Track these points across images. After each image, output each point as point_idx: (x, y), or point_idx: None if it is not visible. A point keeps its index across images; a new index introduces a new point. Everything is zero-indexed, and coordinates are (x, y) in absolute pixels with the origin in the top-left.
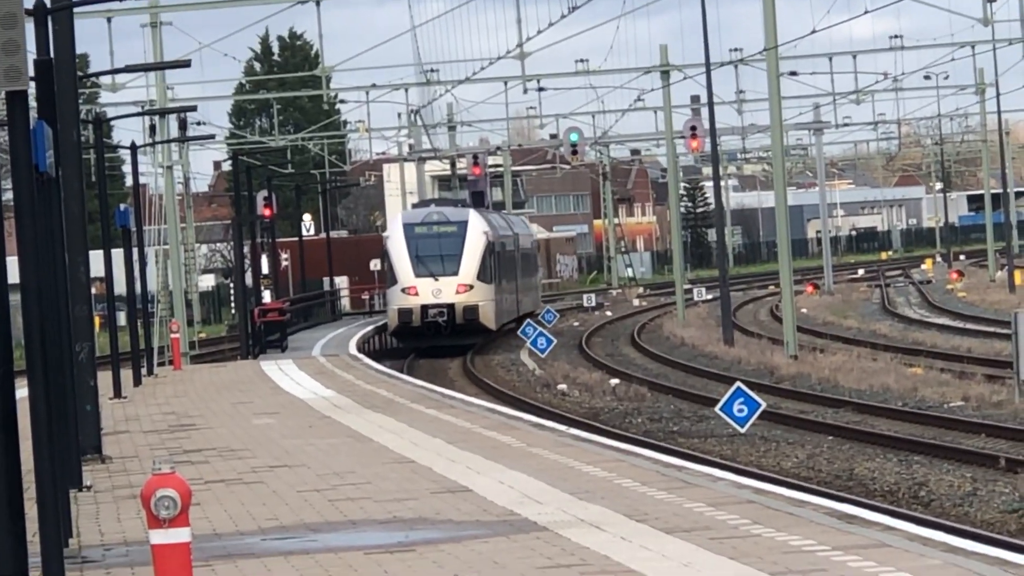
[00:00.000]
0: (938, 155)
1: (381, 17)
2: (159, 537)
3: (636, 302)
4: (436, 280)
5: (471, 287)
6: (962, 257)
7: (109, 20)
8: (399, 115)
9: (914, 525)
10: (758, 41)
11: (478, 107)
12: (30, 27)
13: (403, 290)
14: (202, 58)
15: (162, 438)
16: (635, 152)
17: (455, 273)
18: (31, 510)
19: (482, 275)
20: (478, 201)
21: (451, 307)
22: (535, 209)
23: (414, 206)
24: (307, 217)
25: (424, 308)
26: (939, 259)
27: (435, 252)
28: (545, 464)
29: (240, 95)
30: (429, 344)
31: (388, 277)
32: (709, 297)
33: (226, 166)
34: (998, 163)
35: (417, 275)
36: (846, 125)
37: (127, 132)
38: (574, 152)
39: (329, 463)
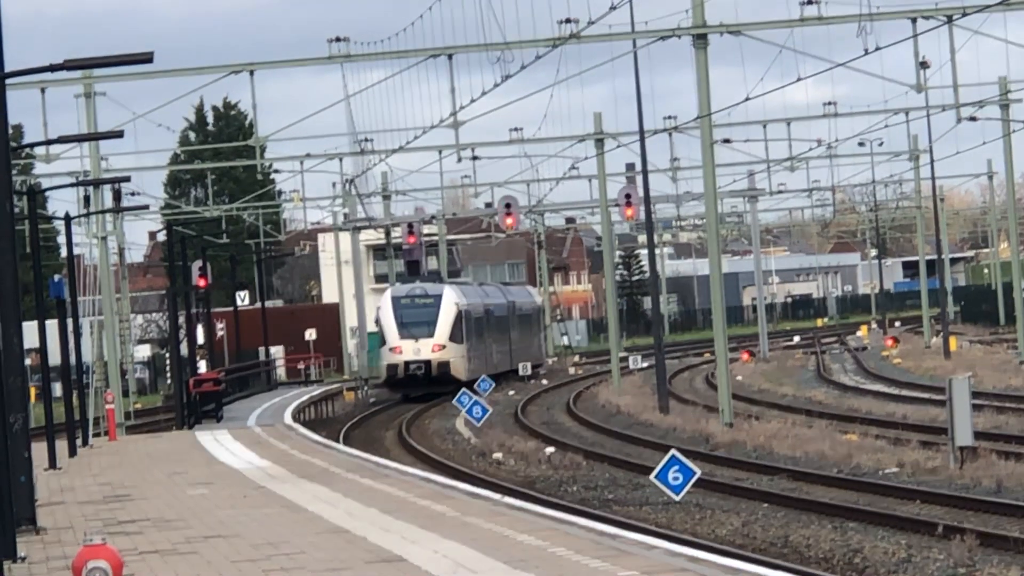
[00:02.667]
0: (873, 221)
1: (315, 87)
2: None
3: (572, 370)
4: (416, 341)
5: (444, 347)
6: (897, 323)
7: (43, 91)
8: (333, 184)
9: None
10: (692, 109)
11: (413, 176)
12: None
13: (390, 349)
14: (136, 128)
15: (97, 509)
16: (570, 220)
17: (431, 336)
18: None
19: (454, 337)
20: (414, 270)
21: (428, 363)
22: (470, 278)
23: (401, 283)
24: (243, 293)
25: (407, 363)
26: (874, 325)
27: (416, 320)
28: (480, 533)
29: (175, 165)
30: (412, 392)
31: (379, 338)
32: (644, 365)
33: (161, 236)
34: (933, 229)
35: (401, 337)
36: (780, 192)
37: (61, 203)
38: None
39: (264, 533)
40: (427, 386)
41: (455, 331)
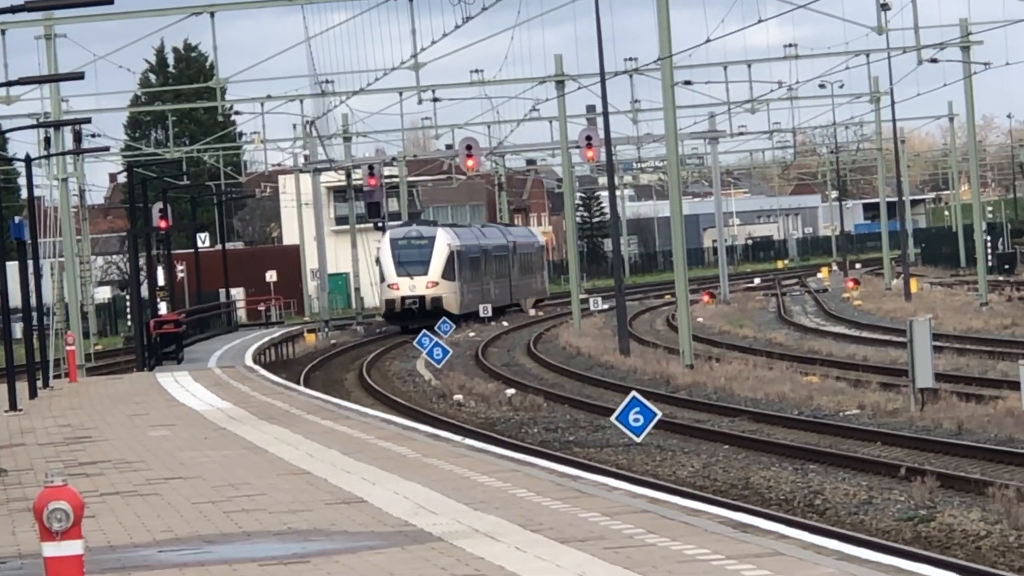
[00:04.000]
0: (833, 164)
1: (276, 29)
2: (52, 550)
3: (532, 312)
4: (412, 278)
5: (437, 283)
6: (858, 266)
7: (3, 32)
8: (294, 126)
9: (809, 533)
10: (653, 51)
11: (373, 118)
12: None
13: (389, 286)
14: (97, 70)
15: (58, 450)
16: (531, 162)
17: (424, 274)
18: None
19: (447, 275)
20: (374, 212)
21: (422, 298)
22: (441, 219)
23: (398, 226)
24: (203, 234)
25: (403, 299)
26: (835, 268)
27: (411, 259)
28: (440, 475)
29: (135, 107)
30: (409, 324)
31: (379, 276)
32: (605, 307)
33: (121, 178)
34: (893, 171)
35: (398, 275)
36: (741, 134)
37: (22, 145)
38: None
39: (224, 475)
40: (422, 319)
41: (447, 269)
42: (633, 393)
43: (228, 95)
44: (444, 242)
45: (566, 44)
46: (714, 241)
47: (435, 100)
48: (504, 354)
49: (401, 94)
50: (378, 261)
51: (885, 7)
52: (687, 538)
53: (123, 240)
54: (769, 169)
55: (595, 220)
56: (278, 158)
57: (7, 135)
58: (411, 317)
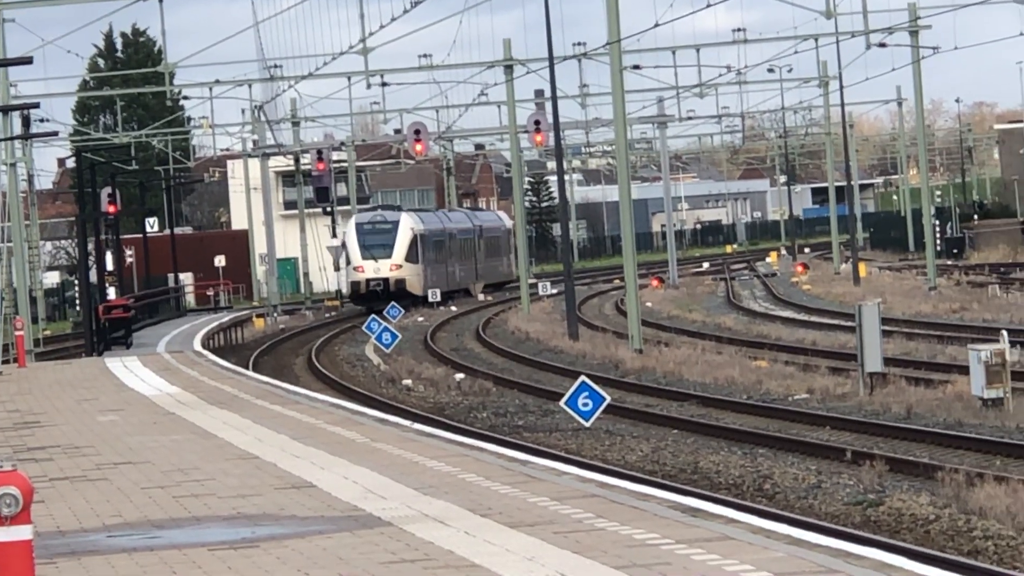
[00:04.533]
0: (782, 148)
1: (225, 13)
2: (1, 535)
3: (481, 297)
4: (376, 261)
5: (400, 266)
6: (807, 250)
7: None
8: (243, 111)
9: (758, 518)
10: (602, 35)
11: (322, 102)
12: None
13: (354, 268)
14: (45, 55)
15: (6, 435)
16: (479, 147)
17: (388, 257)
18: None
19: (410, 257)
20: (323, 196)
21: (386, 280)
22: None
23: (363, 211)
24: (152, 219)
25: (368, 280)
26: (784, 252)
27: (375, 243)
28: (389, 459)
29: (84, 92)
30: (374, 305)
31: (345, 259)
32: (554, 291)
33: (70, 163)
34: (842, 156)
35: (363, 258)
36: (690, 118)
37: None
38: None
39: (173, 460)
40: (387, 300)
41: (411, 252)
42: (582, 378)
43: (177, 80)
44: (408, 226)
45: (515, 29)
46: (663, 226)
47: (383, 85)
48: (453, 339)
49: (350, 79)
50: (343, 245)
51: None
52: (636, 522)
53: (72, 225)
54: (718, 154)
55: (544, 205)
56: (227, 143)
57: None
58: (376, 299)
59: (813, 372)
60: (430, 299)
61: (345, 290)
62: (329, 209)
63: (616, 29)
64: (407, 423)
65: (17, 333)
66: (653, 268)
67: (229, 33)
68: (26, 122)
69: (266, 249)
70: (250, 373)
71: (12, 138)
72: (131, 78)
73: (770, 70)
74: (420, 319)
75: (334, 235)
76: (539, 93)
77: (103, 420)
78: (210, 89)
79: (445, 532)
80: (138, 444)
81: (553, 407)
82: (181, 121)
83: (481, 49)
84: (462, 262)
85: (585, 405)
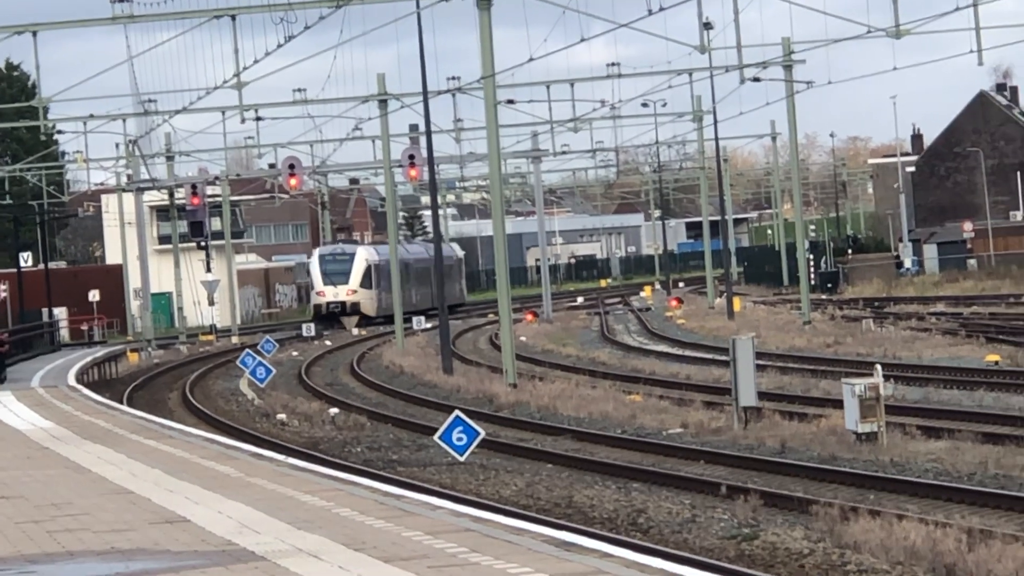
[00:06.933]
0: (656, 182)
1: (102, 48)
2: None
3: (356, 331)
4: (335, 287)
5: (355, 291)
6: (681, 284)
7: None
8: (117, 145)
9: (632, 552)
10: (476, 70)
11: (196, 137)
12: None
13: (317, 293)
14: None
15: None
16: (354, 181)
17: (345, 283)
18: None
19: (364, 284)
20: (197, 231)
21: (343, 303)
22: (254, 239)
23: (326, 244)
24: (26, 254)
25: (328, 303)
26: (658, 286)
27: (334, 271)
28: (264, 494)
29: None
30: (333, 323)
31: (310, 285)
32: (428, 326)
33: None
34: (716, 190)
35: (324, 284)
36: (564, 153)
37: None
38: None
39: (47, 494)
40: (343, 320)
41: (365, 279)
42: (456, 412)
43: (51, 114)
44: (363, 257)
45: (389, 63)
46: (537, 260)
47: (258, 119)
48: (328, 373)
49: (224, 113)
50: (308, 273)
51: (708, 26)
52: (511, 556)
53: None
54: (592, 188)
55: (418, 239)
56: (101, 177)
57: None
58: (334, 318)
59: (687, 406)
60: (304, 334)
61: (310, 311)
62: (203, 243)
63: (490, 63)
64: (281, 458)
65: None
66: (527, 302)
67: (104, 67)
68: None
69: (140, 284)
70: (124, 408)
71: None
72: (4, 112)
73: (644, 104)
74: (295, 353)
75: (209, 270)
76: (414, 127)
77: None
78: (84, 123)
79: (320, 567)
80: (11, 479)
81: (427, 441)
82: (55, 155)
83: (355, 83)
84: (417, 288)
85: (459, 440)
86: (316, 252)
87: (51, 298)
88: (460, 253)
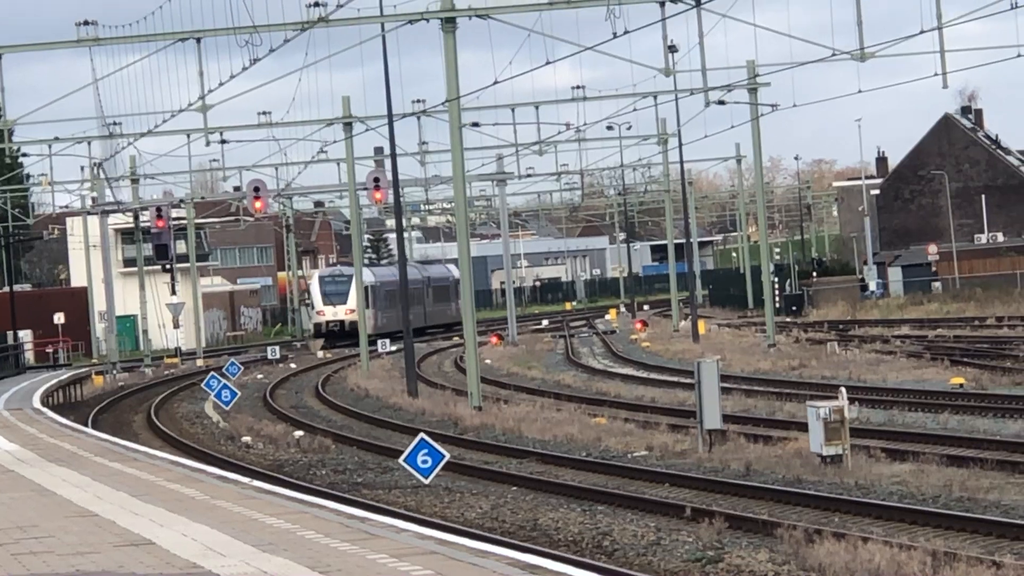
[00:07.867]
0: (621, 205)
1: (66, 71)
2: None
3: (320, 354)
4: (335, 307)
5: (354, 311)
6: (646, 307)
7: None
8: (82, 168)
9: (597, 575)
10: (441, 93)
11: (161, 160)
12: None
13: (317, 312)
14: None
15: None
16: (319, 204)
17: (344, 303)
18: None
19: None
20: (162, 254)
21: (342, 322)
22: (219, 262)
23: (329, 267)
24: None
25: (328, 322)
26: (623, 309)
27: (334, 291)
28: (229, 516)
29: None
30: (333, 341)
31: (311, 305)
32: (393, 348)
33: None
34: (681, 213)
35: (324, 304)
36: (529, 176)
37: None
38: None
39: (12, 517)
40: (343, 338)
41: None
42: (421, 435)
43: (15, 137)
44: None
45: (354, 86)
46: (502, 283)
47: (223, 142)
48: (293, 396)
49: (189, 136)
50: (309, 294)
51: (673, 49)
52: None
53: None
54: (557, 211)
55: (383, 261)
56: (66, 200)
57: None
58: (334, 336)
59: (652, 429)
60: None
61: (311, 330)
62: (168, 266)
63: (455, 86)
64: (247, 480)
65: None
66: (493, 325)
67: (69, 90)
68: None
69: (105, 306)
70: (89, 430)
71: None
72: None
73: (609, 127)
74: (260, 376)
75: (174, 292)
76: (379, 150)
77: None
78: (49, 146)
79: None
80: None
81: (392, 464)
82: (20, 178)
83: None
84: (413, 307)
85: (424, 462)
86: (316, 274)
87: (16, 321)
88: (457, 274)
